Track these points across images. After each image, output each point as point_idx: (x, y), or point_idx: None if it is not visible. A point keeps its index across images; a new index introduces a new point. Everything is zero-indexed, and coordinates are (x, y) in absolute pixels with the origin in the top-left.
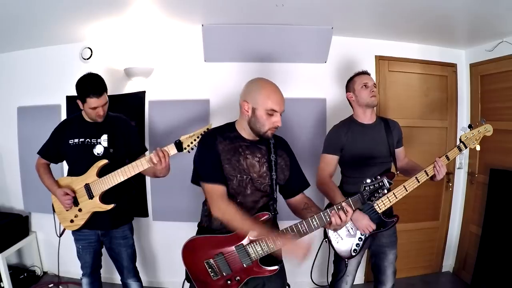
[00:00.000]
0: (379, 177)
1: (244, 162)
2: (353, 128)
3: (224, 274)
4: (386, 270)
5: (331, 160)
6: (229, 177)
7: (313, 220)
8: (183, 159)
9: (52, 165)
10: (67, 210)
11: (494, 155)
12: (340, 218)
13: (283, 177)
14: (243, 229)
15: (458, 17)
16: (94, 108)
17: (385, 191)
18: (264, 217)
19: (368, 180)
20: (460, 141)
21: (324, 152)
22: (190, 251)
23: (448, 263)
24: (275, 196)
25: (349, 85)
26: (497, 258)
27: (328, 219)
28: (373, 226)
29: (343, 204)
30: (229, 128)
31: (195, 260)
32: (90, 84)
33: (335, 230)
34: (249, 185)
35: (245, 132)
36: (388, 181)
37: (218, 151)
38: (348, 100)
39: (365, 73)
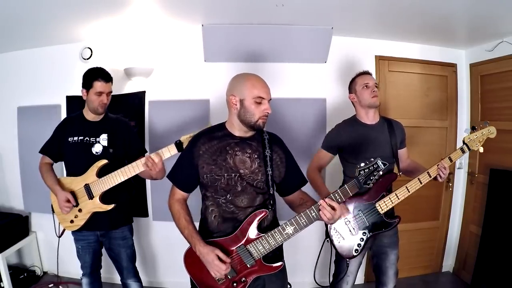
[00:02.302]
0: (372, 159)
1: (232, 160)
2: (356, 128)
3: (229, 277)
4: (387, 270)
5: (324, 156)
6: (215, 177)
7: (312, 211)
8: None
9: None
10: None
11: (494, 155)
12: (326, 216)
13: (278, 174)
14: (180, 229)
15: (458, 17)
16: (100, 93)
17: (380, 172)
18: (262, 215)
19: (362, 164)
20: (464, 143)
21: (322, 146)
22: (192, 259)
23: (448, 263)
24: (271, 192)
25: (351, 86)
26: (497, 258)
27: (315, 216)
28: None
29: (326, 200)
30: (218, 127)
31: (198, 267)
32: (99, 70)
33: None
34: (238, 182)
35: (235, 129)
36: (382, 163)
37: (194, 156)
38: (352, 102)
39: (366, 73)
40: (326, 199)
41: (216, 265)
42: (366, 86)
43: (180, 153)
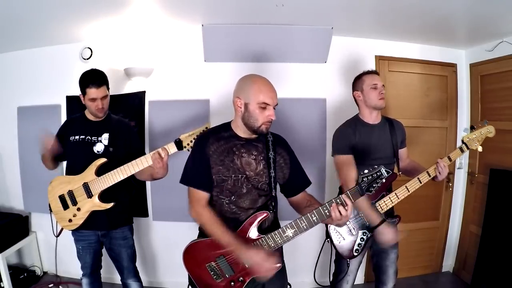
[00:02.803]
0: (376, 166)
1: (239, 161)
2: (359, 127)
3: (227, 276)
4: (387, 269)
5: (348, 160)
6: (223, 178)
7: (313, 215)
8: (183, 158)
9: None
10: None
11: (494, 155)
12: (340, 212)
13: (282, 176)
14: (218, 236)
15: (458, 17)
16: (93, 100)
17: (383, 180)
18: (263, 216)
19: (366, 171)
20: (463, 142)
21: (336, 153)
22: (190, 256)
23: (448, 263)
24: (274, 194)
25: (357, 83)
26: (497, 258)
27: (328, 213)
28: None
29: (342, 196)
30: (224, 128)
31: (197, 264)
32: (90, 76)
33: (338, 225)
34: (244, 184)
35: (240, 131)
36: (386, 170)
37: (208, 156)
38: (355, 99)
39: (375, 73)
40: (344, 196)
41: (268, 262)
42: (375, 87)
43: (190, 156)
